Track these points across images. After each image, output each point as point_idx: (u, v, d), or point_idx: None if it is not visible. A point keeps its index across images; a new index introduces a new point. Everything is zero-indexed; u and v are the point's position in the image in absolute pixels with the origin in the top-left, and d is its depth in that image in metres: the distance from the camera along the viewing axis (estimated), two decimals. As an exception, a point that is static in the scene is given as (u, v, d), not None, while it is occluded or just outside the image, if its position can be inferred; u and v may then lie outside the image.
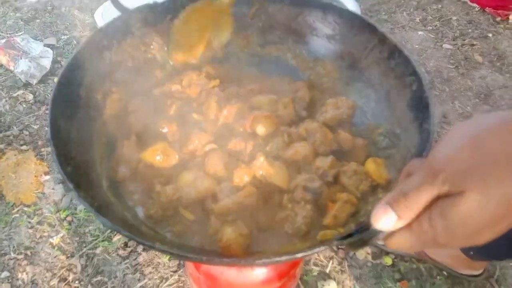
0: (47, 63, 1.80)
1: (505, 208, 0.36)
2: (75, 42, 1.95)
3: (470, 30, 2.16)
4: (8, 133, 1.61)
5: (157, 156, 0.72)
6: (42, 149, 1.58)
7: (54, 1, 2.14)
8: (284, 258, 0.50)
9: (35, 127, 1.64)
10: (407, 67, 0.72)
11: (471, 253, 1.19)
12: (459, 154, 0.38)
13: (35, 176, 1.51)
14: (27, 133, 1.62)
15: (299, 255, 0.51)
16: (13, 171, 1.52)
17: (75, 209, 1.44)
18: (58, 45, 1.94)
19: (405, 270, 1.38)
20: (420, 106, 0.67)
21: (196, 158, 0.73)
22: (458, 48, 2.07)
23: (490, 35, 2.13)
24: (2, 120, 1.65)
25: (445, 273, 1.38)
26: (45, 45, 1.88)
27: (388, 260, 1.37)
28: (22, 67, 1.76)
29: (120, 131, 0.77)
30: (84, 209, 1.43)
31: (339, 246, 0.48)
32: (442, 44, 2.08)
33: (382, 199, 0.41)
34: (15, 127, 1.63)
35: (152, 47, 0.86)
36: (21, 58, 1.78)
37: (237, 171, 0.69)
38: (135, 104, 0.79)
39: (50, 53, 1.83)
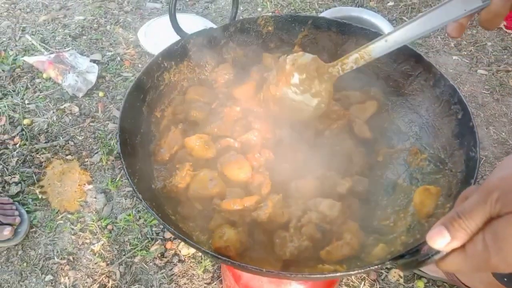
0: (93, 78, 1.90)
1: None
2: (119, 58, 2.05)
3: (505, 56, 2.15)
4: (55, 143, 1.70)
5: (197, 142, 0.76)
6: (86, 160, 1.66)
7: (100, 19, 2.26)
8: (339, 274, 0.53)
9: (80, 138, 1.73)
10: (452, 96, 0.75)
11: (505, 279, 1.18)
12: (509, 179, 0.39)
13: (78, 185, 1.59)
14: (72, 143, 1.71)
15: (353, 272, 0.54)
16: (58, 180, 1.60)
17: (115, 218, 1.50)
18: (103, 60, 2.04)
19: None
20: (466, 134, 0.70)
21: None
22: (493, 74, 2.07)
23: (526, 60, 2.12)
24: (50, 131, 1.74)
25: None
26: (91, 61, 1.98)
27: (420, 284, 1.37)
28: (69, 81, 1.86)
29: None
30: (124, 218, 1.49)
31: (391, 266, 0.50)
32: (477, 70, 2.08)
33: (439, 220, 0.44)
34: (61, 138, 1.72)
35: (206, 69, 0.91)
36: (69, 73, 1.88)
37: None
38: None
39: (96, 68, 1.93)
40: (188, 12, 2.33)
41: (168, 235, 1.46)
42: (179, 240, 1.44)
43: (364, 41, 0.90)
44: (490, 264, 0.40)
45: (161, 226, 1.48)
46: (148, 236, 1.46)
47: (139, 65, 2.04)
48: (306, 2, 2.43)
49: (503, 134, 1.82)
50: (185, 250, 1.43)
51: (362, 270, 0.54)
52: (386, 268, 0.54)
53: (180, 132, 0.79)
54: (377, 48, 0.70)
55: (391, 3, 2.43)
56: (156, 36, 2.09)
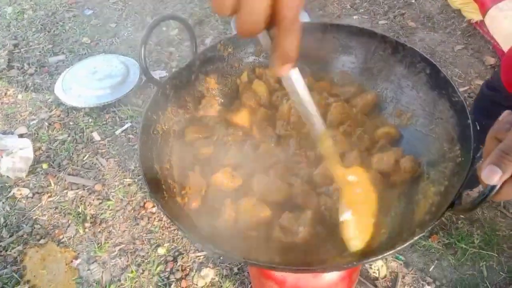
0: (29, 153, 1.78)
1: None
2: (46, 124, 1.93)
3: (395, 2, 2.40)
4: (20, 233, 1.58)
5: (224, 177, 0.80)
6: (61, 237, 1.57)
7: (7, 91, 2.10)
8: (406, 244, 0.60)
9: (44, 218, 1.63)
10: (414, 56, 0.86)
11: None
12: None
13: (66, 264, 1.50)
14: (39, 226, 1.60)
15: (415, 237, 0.61)
16: (42, 268, 1.50)
17: (119, 280, 1.46)
18: (30, 132, 1.91)
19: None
20: (440, 84, 0.81)
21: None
22: (392, 21, 2.29)
23: (413, 1, 2.38)
24: (9, 223, 1.61)
25: (462, 216, 1.56)
26: (19, 136, 1.85)
27: (444, 214, 1.52)
28: (5, 165, 1.73)
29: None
30: (128, 277, 1.45)
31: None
32: (378, 21, 2.30)
33: (483, 162, 0.53)
34: (25, 225, 1.60)
35: (187, 107, 0.93)
36: (1, 157, 1.74)
37: None
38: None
39: (27, 142, 1.81)
40: (95, 54, 2.26)
41: (178, 275, 1.45)
42: (192, 274, 1.45)
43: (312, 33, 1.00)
44: None
45: (168, 270, 1.47)
46: (159, 284, 1.44)
47: (71, 123, 1.95)
48: (205, 9, 2.47)
49: (421, 69, 2.04)
50: (202, 281, 1.44)
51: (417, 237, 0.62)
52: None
53: (200, 174, 0.81)
54: None
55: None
56: (75, 88, 2.00)
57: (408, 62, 0.88)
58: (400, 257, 1.49)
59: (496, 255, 1.48)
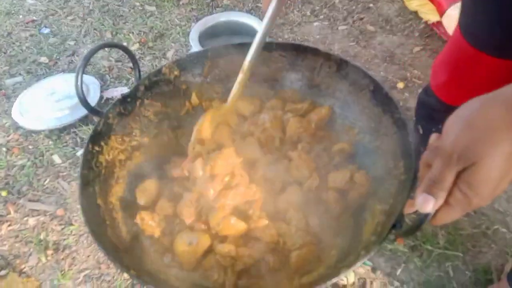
0: (-14, 181, 1.72)
1: (508, 161, 0.48)
2: (4, 149, 1.87)
3: (354, 7, 2.42)
4: (-22, 266, 1.52)
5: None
6: (23, 266, 1.52)
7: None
8: (350, 269, 0.60)
9: (5, 248, 1.57)
10: (358, 73, 0.87)
11: None
12: (460, 137, 0.50)
13: (28, 295, 1.46)
14: (-1, 258, 1.55)
15: (358, 263, 0.61)
16: (3, 301, 1.45)
17: (85, 307, 1.42)
18: (-13, 160, 1.85)
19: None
20: (383, 101, 0.82)
21: None
22: (351, 26, 2.32)
23: (372, 5, 2.41)
24: (-34, 257, 1.55)
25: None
26: (-25, 165, 1.78)
27: (386, 236, 1.53)
28: (-39, 195, 1.66)
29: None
30: (94, 304, 1.41)
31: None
32: (338, 27, 2.32)
33: (418, 189, 0.53)
34: (-18, 258, 1.54)
35: (134, 134, 0.91)
36: (-44, 187, 1.68)
37: None
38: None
39: (-16, 170, 1.75)
40: (54, 73, 2.20)
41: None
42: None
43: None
44: (472, 204, 0.51)
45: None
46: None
47: (30, 147, 1.89)
48: (166, 21, 2.45)
49: (382, 73, 2.07)
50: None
51: (369, 256, 0.62)
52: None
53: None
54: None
55: (241, -5, 2.56)
56: (33, 111, 1.94)
57: (352, 79, 0.89)
58: (368, 262, 1.50)
59: (461, 255, 1.50)
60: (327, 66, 0.92)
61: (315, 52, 0.93)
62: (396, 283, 1.45)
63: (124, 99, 0.89)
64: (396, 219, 0.63)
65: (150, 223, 0.78)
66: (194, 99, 1.00)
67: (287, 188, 0.84)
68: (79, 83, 0.79)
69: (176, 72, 0.96)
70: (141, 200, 0.84)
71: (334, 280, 0.60)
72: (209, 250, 0.74)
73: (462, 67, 1.00)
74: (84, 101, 0.81)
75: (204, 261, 0.73)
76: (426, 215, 0.53)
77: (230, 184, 0.79)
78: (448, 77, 1.07)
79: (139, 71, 0.91)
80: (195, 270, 0.74)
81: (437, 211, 0.54)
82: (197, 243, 0.73)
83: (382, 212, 0.72)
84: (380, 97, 0.83)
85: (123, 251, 0.72)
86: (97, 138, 0.83)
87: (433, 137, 0.57)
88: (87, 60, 0.79)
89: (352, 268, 0.62)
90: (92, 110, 0.83)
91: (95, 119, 1.94)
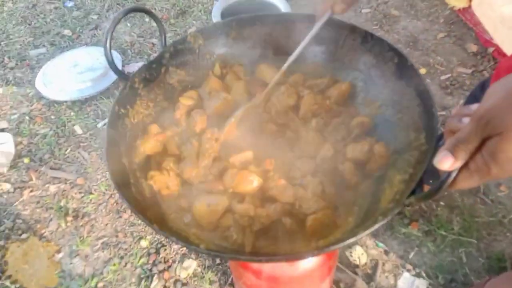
0: (9, 147, 1.77)
1: None
2: (27, 118, 1.92)
3: (378, -10, 2.39)
4: (1, 228, 1.57)
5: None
6: (43, 231, 1.57)
7: (-14, 86, 2.08)
8: (366, 232, 0.61)
9: (26, 212, 1.62)
10: (382, 46, 0.87)
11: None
12: (495, 104, 0.49)
13: (48, 258, 1.50)
14: (20, 221, 1.60)
15: (376, 226, 0.62)
16: (24, 262, 1.50)
17: (102, 273, 1.46)
18: (11, 126, 1.90)
19: (410, 214, 1.55)
20: (407, 73, 0.82)
21: None
22: (375, 9, 2.29)
23: (397, -11, 2.37)
24: (-10, 218, 1.61)
25: (442, 202, 1.58)
26: (-1, 131, 1.84)
27: (405, 202, 1.54)
28: (-15, 160, 1.71)
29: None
30: (111, 270, 1.45)
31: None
32: (361, 10, 2.29)
33: (442, 147, 0.54)
34: (6, 220, 1.60)
35: (158, 100, 0.93)
36: (-19, 152, 1.73)
37: None
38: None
39: (8, 136, 1.80)
40: (77, 46, 2.23)
41: (161, 267, 1.46)
42: (175, 266, 1.46)
43: (280, 24, 0.99)
44: (491, 174, 0.50)
45: (151, 262, 1.47)
46: (142, 276, 1.44)
47: (52, 117, 1.94)
48: (189, -1, 2.45)
49: (404, 57, 2.04)
50: (184, 273, 1.44)
51: (387, 219, 0.63)
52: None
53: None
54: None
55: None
56: (56, 82, 1.98)
57: (377, 51, 0.89)
58: (380, 244, 1.51)
59: (476, 242, 1.50)
60: (351, 38, 0.92)
61: (340, 24, 0.92)
62: (408, 266, 1.46)
63: (149, 65, 0.91)
64: (415, 185, 0.63)
65: (161, 181, 0.80)
66: (217, 69, 1.01)
67: (301, 158, 0.85)
68: (108, 45, 0.80)
69: (200, 41, 0.97)
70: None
71: (351, 241, 0.61)
72: (228, 210, 0.76)
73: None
74: (112, 64, 0.83)
75: (222, 220, 0.75)
76: (448, 175, 0.54)
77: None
78: None
79: (165, 38, 0.92)
80: (214, 230, 0.75)
81: (458, 175, 0.54)
82: (216, 203, 0.75)
83: (401, 181, 0.72)
84: (405, 69, 0.82)
85: (145, 208, 0.74)
86: (123, 100, 0.85)
87: (457, 107, 0.56)
88: (116, 23, 0.81)
89: (368, 231, 0.62)
90: (120, 73, 0.85)
91: (116, 92, 1.97)
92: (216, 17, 1.87)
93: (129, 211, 1.60)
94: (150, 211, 0.73)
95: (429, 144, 0.69)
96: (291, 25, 0.96)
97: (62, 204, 1.63)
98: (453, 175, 0.54)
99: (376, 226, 0.62)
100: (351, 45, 0.93)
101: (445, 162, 0.53)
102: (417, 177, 0.66)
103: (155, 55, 2.14)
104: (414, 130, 0.78)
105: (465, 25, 2.15)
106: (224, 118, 0.89)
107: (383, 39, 0.86)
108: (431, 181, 1.50)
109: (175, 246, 1.51)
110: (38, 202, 1.65)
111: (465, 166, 0.53)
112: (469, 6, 2.08)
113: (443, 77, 1.93)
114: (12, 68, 2.15)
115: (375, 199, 0.76)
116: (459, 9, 2.17)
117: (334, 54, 0.96)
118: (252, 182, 0.77)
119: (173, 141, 0.88)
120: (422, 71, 1.99)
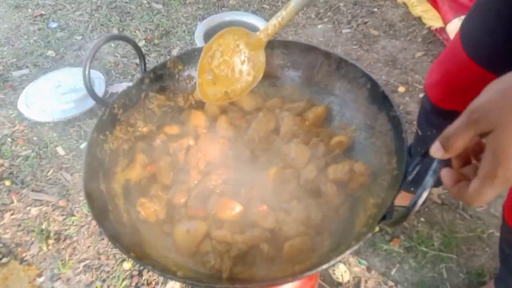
0: (-10, 170, 1.75)
1: None
2: (9, 139, 1.91)
3: (358, 11, 2.45)
4: (-19, 252, 1.55)
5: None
6: (24, 254, 1.55)
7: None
8: (339, 257, 0.62)
9: (7, 236, 1.60)
10: (355, 72, 0.89)
11: None
12: (489, 100, 0.49)
13: (29, 283, 1.48)
14: (1, 245, 1.58)
15: (348, 252, 0.63)
16: (4, 287, 1.47)
17: (83, 297, 1.45)
18: (-8, 148, 1.88)
19: (392, 230, 1.58)
20: (380, 99, 0.84)
21: None
22: (355, 29, 2.34)
23: (376, 9, 2.43)
24: (-31, 243, 1.58)
25: (422, 218, 1.60)
26: (-20, 154, 1.82)
27: (376, 228, 1.56)
28: (-34, 183, 1.69)
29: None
30: (93, 293, 1.44)
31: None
32: (342, 30, 2.34)
33: (438, 138, 0.55)
34: (-15, 245, 1.57)
35: (138, 125, 0.94)
36: (-38, 175, 1.71)
37: None
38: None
39: (-11, 159, 1.78)
40: (60, 67, 2.23)
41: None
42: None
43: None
44: (499, 177, 0.48)
45: (133, 284, 1.46)
46: (126, 297, 1.43)
47: (34, 138, 1.93)
48: (172, 19, 2.48)
49: (383, 76, 2.09)
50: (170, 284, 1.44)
51: (358, 244, 0.64)
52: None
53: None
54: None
55: (247, -4, 2.59)
56: (39, 103, 1.98)
57: (351, 77, 0.91)
58: (363, 261, 1.52)
59: (456, 257, 1.52)
60: (326, 64, 0.95)
61: (315, 50, 0.95)
62: (391, 283, 1.47)
63: (129, 90, 0.92)
64: (386, 210, 0.65)
65: (150, 208, 0.81)
66: (197, 93, 1.02)
67: (285, 180, 0.86)
68: (86, 72, 0.82)
69: (180, 66, 0.99)
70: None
71: (324, 267, 0.62)
72: (207, 235, 0.77)
73: (453, 70, 1.02)
74: (91, 91, 0.84)
75: (200, 245, 0.75)
76: (411, 207, 0.55)
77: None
78: (439, 77, 1.09)
79: (145, 64, 0.93)
80: (193, 256, 0.76)
81: (479, 192, 0.51)
82: (195, 229, 0.76)
83: (374, 206, 0.74)
84: (377, 95, 0.85)
85: (124, 235, 0.74)
86: (102, 127, 0.86)
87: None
88: (95, 50, 0.82)
89: (342, 256, 0.64)
90: (98, 100, 0.86)
91: (99, 113, 1.97)
92: (199, 38, 1.90)
93: (111, 233, 1.59)
94: (127, 238, 0.73)
95: (399, 169, 0.72)
96: (269, 51, 0.99)
97: (43, 226, 1.62)
98: (420, 202, 0.55)
99: (348, 252, 0.63)
100: (327, 71, 0.96)
101: (438, 152, 0.54)
102: (388, 202, 0.68)
103: (138, 75, 2.16)
104: (386, 154, 0.80)
105: (442, 44, 2.22)
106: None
107: (357, 65, 0.89)
108: (412, 189, 1.53)
109: (158, 268, 1.51)
110: (19, 225, 1.63)
111: (476, 177, 0.51)
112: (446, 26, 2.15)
113: (421, 95, 1.98)
114: (-6, 90, 2.14)
115: (350, 224, 0.78)
116: (436, 29, 2.24)
117: (311, 79, 0.99)
118: (234, 208, 0.78)
119: (165, 171, 0.89)
120: (401, 89, 2.03)
